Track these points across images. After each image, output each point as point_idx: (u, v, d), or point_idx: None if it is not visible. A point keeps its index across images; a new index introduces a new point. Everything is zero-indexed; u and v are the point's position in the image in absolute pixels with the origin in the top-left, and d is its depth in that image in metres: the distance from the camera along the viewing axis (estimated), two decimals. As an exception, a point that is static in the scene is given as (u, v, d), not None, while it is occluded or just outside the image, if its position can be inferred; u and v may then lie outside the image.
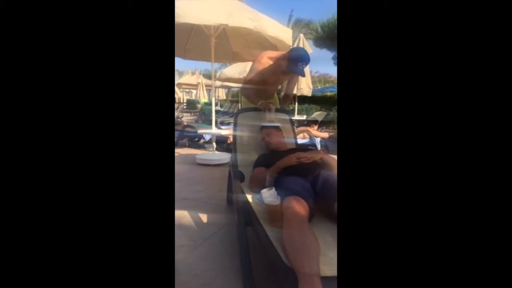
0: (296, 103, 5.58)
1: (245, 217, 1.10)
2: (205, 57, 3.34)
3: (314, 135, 3.65)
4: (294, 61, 1.62)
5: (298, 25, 12.85)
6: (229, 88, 10.42)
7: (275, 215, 0.98)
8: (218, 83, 8.51)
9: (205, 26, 2.61)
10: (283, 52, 1.78)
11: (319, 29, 11.73)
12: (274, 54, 1.82)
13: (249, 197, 1.25)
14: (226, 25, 2.16)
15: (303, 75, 1.73)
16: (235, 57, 3.66)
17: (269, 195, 1.00)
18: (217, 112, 6.96)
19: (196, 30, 3.00)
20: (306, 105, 7.12)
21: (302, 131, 3.61)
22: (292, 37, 3.43)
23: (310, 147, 1.85)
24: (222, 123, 4.93)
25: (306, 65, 1.68)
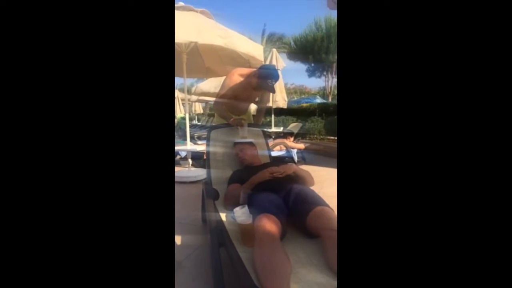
0: (273, 115, 5.66)
1: (218, 237, 1.07)
2: (178, 73, 3.31)
3: (291, 147, 3.70)
4: (264, 78, 1.66)
5: (272, 39, 13.26)
6: (206, 102, 10.39)
7: (247, 234, 0.96)
8: (194, 97, 8.46)
9: (176, 43, 2.61)
10: (254, 69, 1.82)
11: (292, 43, 12.15)
12: (245, 71, 1.86)
13: (223, 216, 1.23)
14: (196, 42, 2.17)
15: (273, 92, 1.77)
16: (208, 73, 3.67)
17: (241, 213, 0.99)
18: (194, 126, 6.87)
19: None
20: (283, 117, 7.24)
21: (278, 144, 3.64)
22: (265, 52, 3.52)
23: (286, 159, 1.86)
24: (200, 138, 4.86)
25: (275, 82, 1.72)
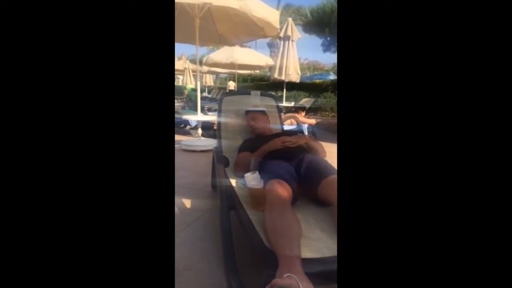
0: (284, 90, 5.53)
1: (228, 201, 1.08)
2: (190, 40, 3.21)
3: (302, 122, 3.64)
4: None
5: (288, 10, 12.60)
6: (217, 74, 10.19)
7: (258, 198, 0.96)
8: (205, 68, 8.30)
9: (189, 5, 2.49)
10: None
11: (309, 15, 11.52)
12: None
13: (233, 181, 1.23)
14: (210, 4, 2.06)
15: None
16: (221, 40, 3.54)
17: (252, 178, 0.98)
18: (204, 98, 6.79)
19: (179, 10, 2.85)
20: (294, 92, 7.07)
21: (289, 117, 3.59)
22: (281, 22, 3.35)
23: (297, 133, 1.82)
24: (210, 110, 4.82)
25: None
